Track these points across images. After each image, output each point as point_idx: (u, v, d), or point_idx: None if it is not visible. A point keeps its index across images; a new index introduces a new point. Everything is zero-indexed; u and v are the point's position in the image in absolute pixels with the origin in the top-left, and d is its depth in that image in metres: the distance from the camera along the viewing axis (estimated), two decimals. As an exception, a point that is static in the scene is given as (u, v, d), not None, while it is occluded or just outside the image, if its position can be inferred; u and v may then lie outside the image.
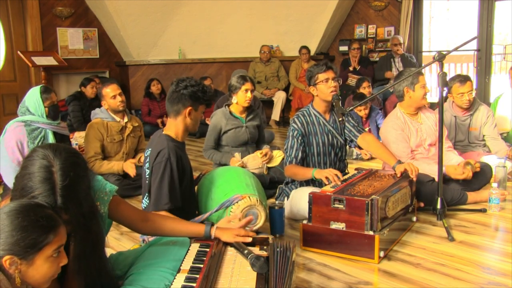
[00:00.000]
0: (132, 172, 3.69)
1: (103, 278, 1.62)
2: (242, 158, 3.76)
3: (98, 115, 3.77)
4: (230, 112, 3.78)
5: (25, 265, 1.30)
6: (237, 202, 2.43)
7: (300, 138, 2.92)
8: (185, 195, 2.42)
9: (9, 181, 3.31)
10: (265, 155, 3.70)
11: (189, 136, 2.94)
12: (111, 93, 3.69)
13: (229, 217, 2.33)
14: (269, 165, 3.73)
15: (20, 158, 3.30)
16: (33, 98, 3.40)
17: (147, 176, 2.41)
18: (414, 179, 2.76)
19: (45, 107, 3.39)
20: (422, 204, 3.05)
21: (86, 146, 3.72)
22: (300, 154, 2.91)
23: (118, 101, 3.69)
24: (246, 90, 3.70)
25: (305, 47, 7.20)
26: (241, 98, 3.72)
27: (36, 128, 3.40)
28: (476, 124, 3.80)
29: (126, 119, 3.81)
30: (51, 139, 3.44)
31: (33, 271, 1.32)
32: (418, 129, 3.30)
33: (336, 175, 2.63)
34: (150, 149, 2.45)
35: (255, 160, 3.69)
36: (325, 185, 2.65)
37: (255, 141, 3.92)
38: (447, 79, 2.78)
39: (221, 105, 4.61)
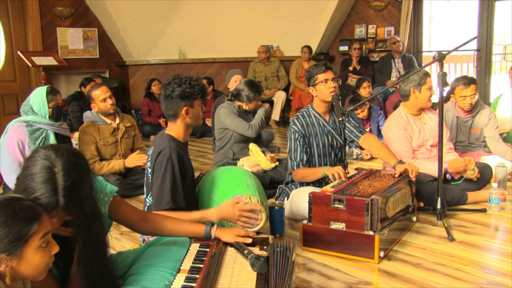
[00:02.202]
0: (136, 163, 3.67)
1: (106, 280, 1.61)
2: (242, 156, 3.80)
3: (88, 118, 3.74)
4: (239, 107, 3.89)
5: (15, 261, 1.29)
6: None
7: (301, 139, 2.92)
8: (187, 195, 2.41)
9: (9, 181, 3.30)
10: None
11: (189, 136, 2.94)
12: (101, 96, 3.67)
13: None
14: (265, 169, 3.74)
15: (21, 159, 3.29)
16: (38, 98, 3.37)
17: (149, 175, 2.41)
18: (413, 179, 2.76)
19: (49, 107, 3.37)
20: (421, 204, 3.05)
21: (81, 150, 3.70)
22: (305, 156, 2.91)
23: (109, 104, 3.67)
24: (259, 99, 3.93)
25: (307, 46, 7.20)
26: (254, 105, 3.89)
27: (38, 129, 3.38)
28: (477, 126, 3.80)
29: (118, 120, 3.79)
30: (52, 140, 3.43)
31: (25, 264, 1.30)
32: (421, 129, 3.30)
33: (345, 173, 2.72)
34: (152, 148, 2.45)
35: (249, 161, 3.73)
36: (331, 181, 2.68)
37: (255, 140, 3.95)
38: (448, 79, 2.78)
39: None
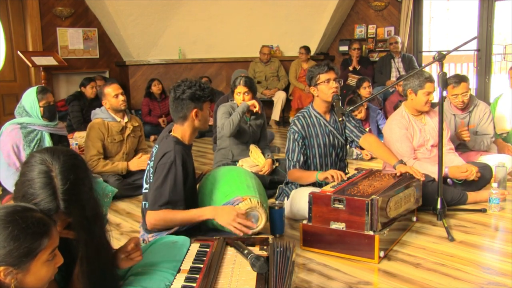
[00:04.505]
0: (140, 167, 3.70)
1: (108, 280, 1.61)
2: (242, 157, 3.79)
3: (98, 115, 3.76)
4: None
5: (22, 274, 1.27)
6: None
7: (300, 141, 2.92)
8: (187, 196, 2.41)
9: (7, 184, 3.28)
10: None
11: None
12: (113, 92, 3.69)
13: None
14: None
15: (17, 162, 3.28)
16: (29, 98, 3.37)
17: (151, 175, 2.40)
18: (422, 179, 2.75)
19: (40, 106, 3.36)
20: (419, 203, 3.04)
21: (87, 146, 3.72)
22: (302, 158, 2.91)
23: (121, 100, 3.70)
24: (238, 93, 3.81)
25: (303, 47, 7.20)
26: (237, 99, 3.83)
27: (32, 131, 3.36)
28: (475, 121, 3.80)
29: (126, 119, 3.81)
30: (47, 141, 3.41)
31: (30, 277, 1.29)
32: (422, 129, 3.30)
33: (340, 175, 2.68)
34: (157, 146, 2.45)
35: (248, 162, 3.74)
36: (329, 182, 2.67)
37: (257, 140, 3.94)
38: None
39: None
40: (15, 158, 3.28)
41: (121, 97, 3.71)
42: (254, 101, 3.80)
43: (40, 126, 3.39)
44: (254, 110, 3.81)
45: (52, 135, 3.46)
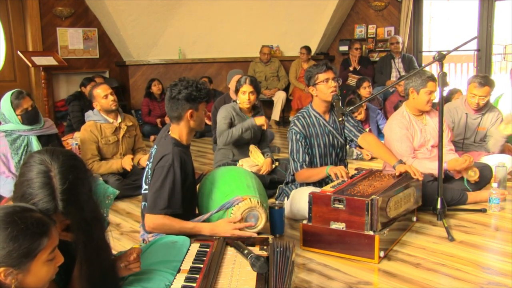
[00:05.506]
0: (129, 166, 3.66)
1: (108, 281, 1.60)
2: (242, 157, 3.79)
3: (90, 117, 3.74)
4: (240, 109, 3.83)
5: (22, 274, 1.27)
6: (237, 204, 2.42)
7: (303, 140, 2.92)
8: (186, 198, 2.41)
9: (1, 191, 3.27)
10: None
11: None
12: (102, 93, 3.66)
13: (229, 218, 2.34)
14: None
15: (6, 171, 3.26)
16: (6, 106, 3.30)
17: (149, 176, 2.40)
18: (420, 178, 2.75)
19: (17, 115, 3.31)
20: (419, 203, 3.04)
21: (82, 149, 3.69)
22: (307, 157, 2.91)
23: (110, 100, 3.67)
24: (243, 92, 3.76)
25: (304, 47, 7.20)
26: (242, 98, 3.79)
27: (18, 137, 3.33)
28: (485, 124, 3.82)
29: (119, 119, 3.78)
30: (35, 144, 3.37)
31: (31, 277, 1.29)
32: (422, 129, 3.30)
33: (347, 173, 2.71)
34: (155, 147, 2.44)
35: (248, 162, 3.74)
36: (333, 180, 2.69)
37: (257, 141, 3.93)
38: (448, 79, 2.79)
39: (219, 106, 4.62)
40: (4, 167, 3.26)
41: (111, 97, 3.67)
42: (263, 121, 3.73)
43: (25, 132, 3.34)
44: (263, 128, 3.80)
45: (39, 137, 3.42)
